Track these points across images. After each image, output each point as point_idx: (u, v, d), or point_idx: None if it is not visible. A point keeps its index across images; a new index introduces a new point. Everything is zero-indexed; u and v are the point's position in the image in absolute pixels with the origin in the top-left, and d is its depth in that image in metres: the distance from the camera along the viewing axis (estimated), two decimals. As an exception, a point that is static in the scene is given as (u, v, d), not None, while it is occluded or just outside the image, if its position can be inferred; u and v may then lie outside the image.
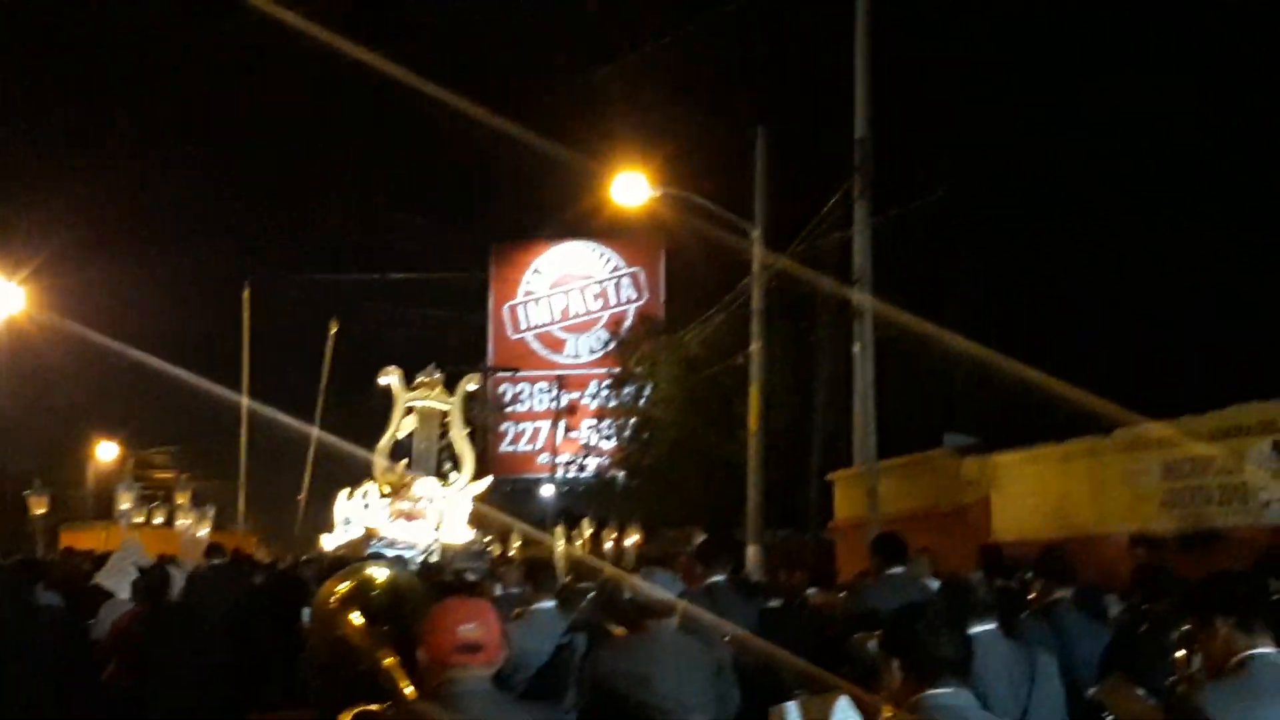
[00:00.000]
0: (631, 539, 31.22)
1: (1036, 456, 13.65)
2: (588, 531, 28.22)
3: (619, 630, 5.27)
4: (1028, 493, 13.57)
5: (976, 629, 4.60)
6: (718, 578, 7.10)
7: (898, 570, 6.91)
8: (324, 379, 34.19)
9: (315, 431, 31.01)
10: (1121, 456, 12.30)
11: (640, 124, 24.22)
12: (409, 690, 3.45)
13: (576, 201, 33.18)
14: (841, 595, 8.48)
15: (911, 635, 3.25)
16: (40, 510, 23.41)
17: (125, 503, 22.80)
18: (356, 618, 3.82)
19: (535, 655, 6.23)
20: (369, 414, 24.52)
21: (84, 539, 22.07)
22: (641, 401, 25.81)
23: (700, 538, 15.85)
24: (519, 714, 3.43)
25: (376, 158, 46.04)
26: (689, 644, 4.97)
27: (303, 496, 34.90)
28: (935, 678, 3.17)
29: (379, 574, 4.13)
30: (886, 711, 3.36)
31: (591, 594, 7.13)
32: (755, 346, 18.27)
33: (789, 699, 4.13)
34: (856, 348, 18.65)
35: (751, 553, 17.68)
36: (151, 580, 9.43)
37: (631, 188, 18.44)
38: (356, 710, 3.51)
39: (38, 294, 23.89)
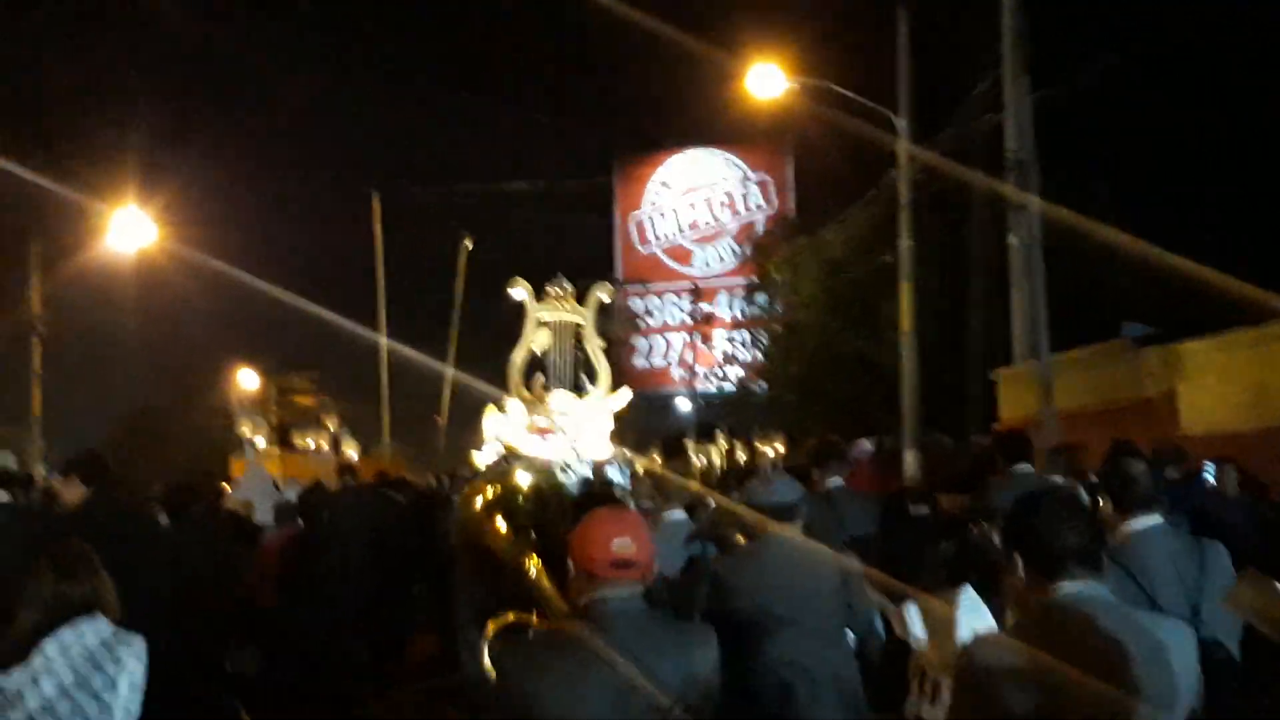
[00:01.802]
0: (772, 450, 30.67)
1: (1228, 343, 12.56)
2: (723, 445, 27.80)
3: (741, 538, 5.09)
4: (1219, 383, 12.52)
5: (1139, 523, 4.56)
6: (834, 481, 7.15)
7: (1024, 467, 6.80)
8: (458, 299, 33.86)
9: (452, 351, 30.89)
10: (1325, 337, 11.20)
11: (770, 14, 23.11)
12: (555, 598, 3.41)
13: (701, 105, 32.27)
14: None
15: (1029, 526, 2.96)
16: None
17: (247, 430, 22.80)
18: (501, 523, 3.76)
19: (666, 565, 5.83)
20: (502, 328, 24.22)
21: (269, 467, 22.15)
22: (780, 307, 24.97)
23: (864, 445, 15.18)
24: (674, 636, 3.21)
25: (499, 66, 45.55)
26: (813, 551, 4.80)
27: (441, 418, 35.02)
28: (1060, 571, 2.87)
29: (523, 479, 3.99)
30: (1013, 614, 3.23)
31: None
32: (904, 242, 17.33)
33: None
34: (1012, 239, 17.66)
35: (909, 458, 16.93)
36: (307, 502, 9.22)
37: (766, 80, 17.52)
38: (507, 621, 3.42)
39: (170, 225, 23.95)
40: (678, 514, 6.78)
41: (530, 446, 22.41)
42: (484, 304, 26.32)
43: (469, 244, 33.33)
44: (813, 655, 4.52)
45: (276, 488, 13.92)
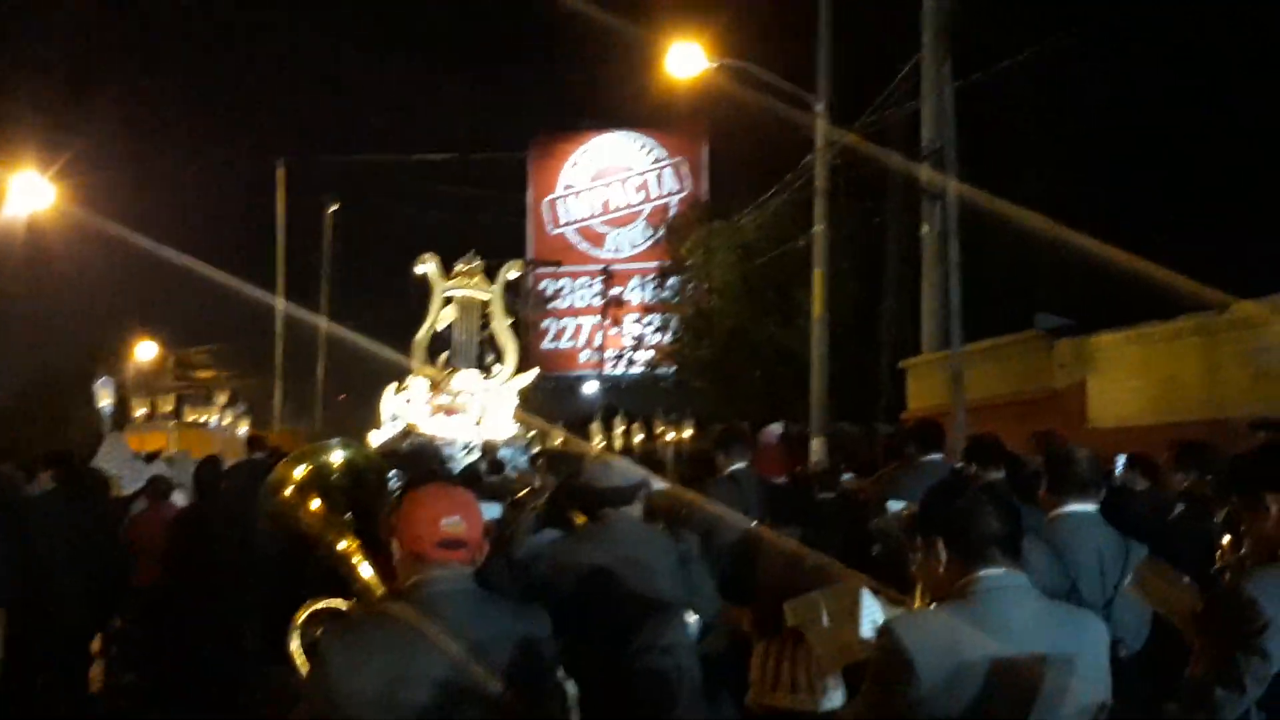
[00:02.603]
0: (676, 434, 30.50)
1: (1141, 336, 12.55)
2: (620, 428, 27.61)
3: (580, 519, 5.04)
4: (1130, 375, 12.51)
5: (1073, 508, 4.70)
6: (738, 465, 6.98)
7: (935, 457, 6.69)
8: (326, 264, 33.01)
9: (323, 319, 30.14)
10: (1241, 333, 11.20)
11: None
12: (374, 583, 3.27)
13: (619, 86, 31.89)
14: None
15: (954, 512, 2.93)
16: (106, 401, 22.45)
17: (104, 400, 21.88)
18: (314, 504, 3.57)
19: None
20: (407, 305, 23.68)
21: (148, 441, 21.32)
22: (692, 290, 24.75)
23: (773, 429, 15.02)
24: (505, 620, 3.04)
25: (412, 33, 44.61)
26: (650, 534, 4.74)
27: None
28: (983, 557, 2.85)
29: (335, 456, 3.75)
30: (918, 602, 3.20)
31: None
32: (818, 228, 17.22)
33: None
34: (924, 229, 17.62)
35: (816, 445, 16.86)
36: (203, 475, 8.77)
37: (686, 60, 17.25)
38: (316, 606, 3.28)
39: (69, 190, 23.05)
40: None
41: (434, 426, 21.99)
42: (391, 278, 25.71)
43: (333, 205, 32.57)
44: (653, 650, 4.39)
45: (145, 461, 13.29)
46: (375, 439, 21.25)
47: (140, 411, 23.23)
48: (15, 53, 25.44)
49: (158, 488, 9.28)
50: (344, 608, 3.28)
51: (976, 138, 15.30)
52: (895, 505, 5.61)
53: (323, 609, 3.28)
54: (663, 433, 28.68)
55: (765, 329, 21.75)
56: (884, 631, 2.92)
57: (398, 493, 4.26)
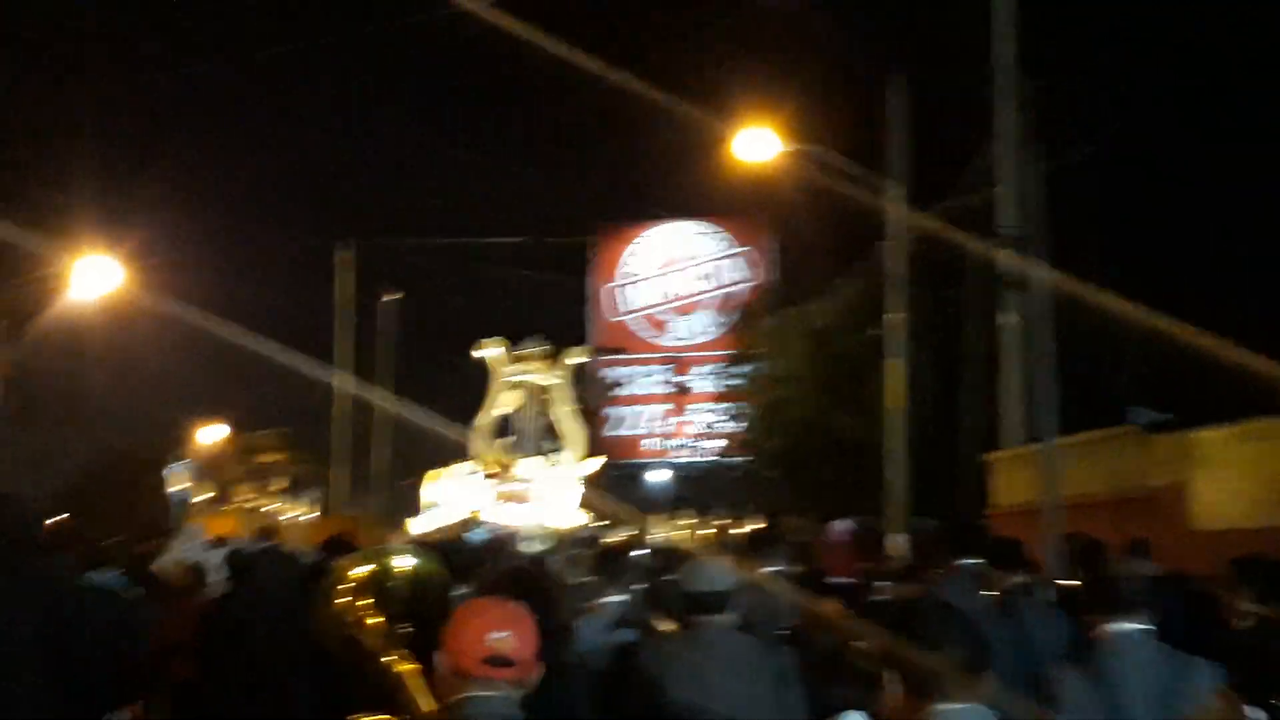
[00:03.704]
0: (747, 528, 29.74)
1: (1249, 432, 11.79)
2: (685, 520, 27.00)
3: (668, 627, 4.77)
4: (1237, 475, 11.74)
5: (1116, 627, 4.24)
6: (770, 569, 6.80)
7: (970, 562, 6.52)
8: (380, 349, 32.80)
9: (378, 405, 29.94)
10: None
11: (762, 79, 22.61)
12: (424, 700, 3.00)
13: (685, 174, 31.75)
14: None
15: (905, 640, 2.72)
16: (178, 486, 22.28)
17: (177, 485, 21.74)
18: (372, 614, 3.33)
19: (599, 652, 5.52)
20: (470, 390, 23.39)
21: (216, 525, 21.07)
22: (763, 380, 24.19)
23: (840, 525, 14.38)
24: None
25: (475, 119, 45.05)
26: (747, 644, 4.40)
27: (404, 482, 34.00)
28: (936, 691, 2.63)
29: (401, 561, 3.55)
30: None
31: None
32: (892, 316, 16.68)
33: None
34: (1002, 318, 17.01)
35: (897, 542, 16.13)
36: (236, 563, 8.35)
37: (756, 144, 16.90)
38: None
39: (135, 272, 23.15)
40: (619, 596, 6.27)
41: (499, 514, 21.55)
42: (454, 363, 25.50)
43: (395, 295, 32.47)
44: None
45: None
46: (414, 526, 20.87)
47: (203, 496, 23.06)
48: (81, 133, 25.72)
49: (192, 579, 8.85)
50: None
51: (1063, 223, 14.76)
52: None
53: None
54: (728, 525, 28.10)
55: (839, 419, 21.12)
56: None
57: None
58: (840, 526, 15.18)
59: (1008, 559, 6.28)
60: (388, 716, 3.05)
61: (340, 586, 3.44)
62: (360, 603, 3.36)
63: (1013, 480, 15.72)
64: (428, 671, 3.06)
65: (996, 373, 17.43)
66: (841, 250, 20.54)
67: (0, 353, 23.28)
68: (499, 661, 2.74)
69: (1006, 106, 16.35)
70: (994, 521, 16.12)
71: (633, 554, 7.28)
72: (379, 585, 3.43)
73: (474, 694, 2.74)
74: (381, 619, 3.32)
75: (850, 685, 4.15)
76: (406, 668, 3.14)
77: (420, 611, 3.34)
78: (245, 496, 24.73)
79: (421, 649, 3.14)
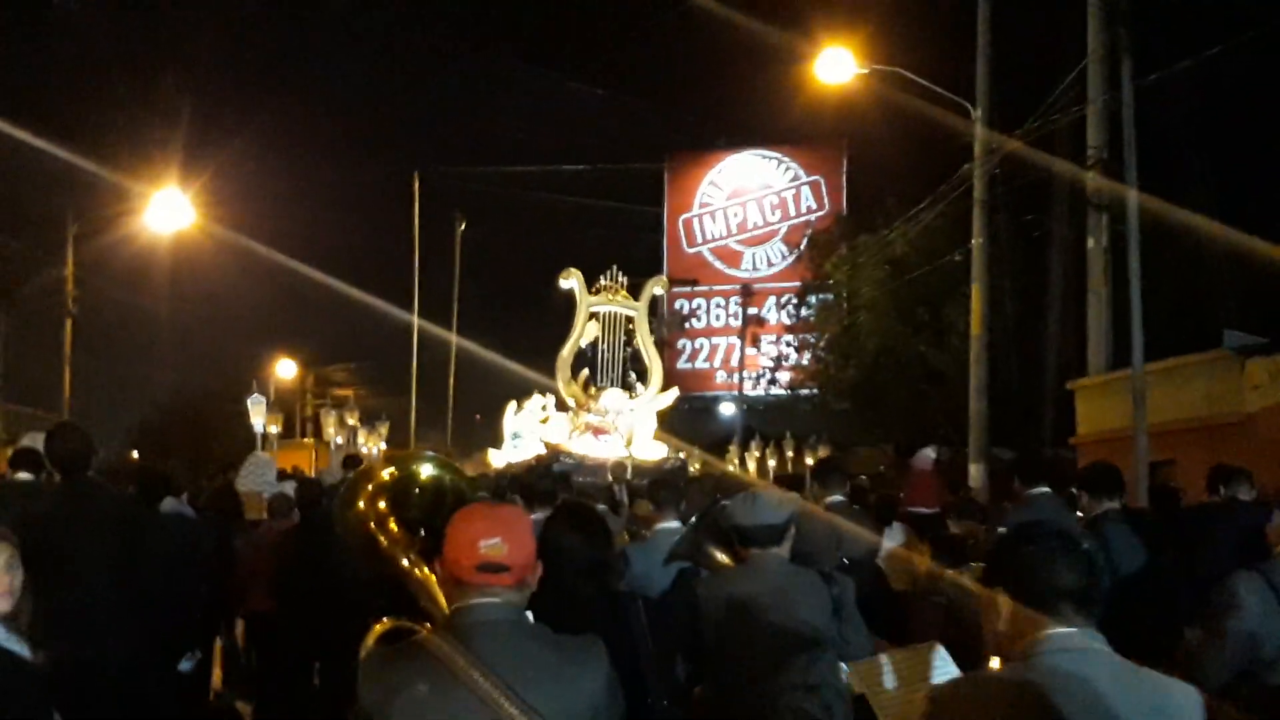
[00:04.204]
0: (815, 458, 29.48)
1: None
2: (756, 452, 26.82)
3: (723, 559, 4.70)
4: (1336, 398, 11.39)
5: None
6: (834, 498, 6.83)
7: (1041, 490, 6.54)
8: (456, 281, 32.60)
9: (454, 334, 29.86)
10: None
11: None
12: (441, 608, 2.97)
13: (757, 103, 31.25)
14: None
15: (1019, 562, 2.63)
16: (259, 418, 22.53)
17: (257, 416, 21.91)
18: (391, 519, 3.34)
19: (652, 579, 5.57)
20: (540, 321, 23.35)
21: (293, 457, 21.34)
22: (836, 308, 23.84)
23: (927, 453, 14.17)
24: (549, 656, 2.76)
25: (546, 47, 44.65)
26: (802, 575, 4.39)
27: (480, 416, 34.13)
28: (1051, 613, 2.55)
29: (426, 469, 3.53)
30: (991, 662, 2.85)
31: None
32: (977, 241, 16.30)
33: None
34: (1091, 242, 16.56)
35: (974, 472, 15.90)
36: (304, 495, 8.34)
37: (835, 65, 16.52)
38: (386, 628, 3.02)
39: (209, 207, 23.34)
40: (671, 523, 6.26)
41: (582, 446, 21.53)
42: (524, 293, 25.39)
43: (461, 222, 32.15)
44: (799, 689, 4.15)
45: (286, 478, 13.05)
46: (496, 459, 20.90)
47: (274, 429, 23.27)
48: (155, 70, 25.82)
49: (278, 507, 8.85)
50: (419, 630, 2.98)
51: (1146, 143, 14.23)
52: None
53: (392, 631, 3.02)
54: (797, 456, 27.92)
55: (914, 348, 20.77)
56: (930, 699, 2.70)
57: None
58: (923, 455, 14.98)
59: (1103, 485, 6.15)
60: (402, 620, 3.06)
61: (364, 489, 3.43)
62: (381, 505, 3.37)
63: (1099, 407, 15.37)
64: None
65: (1082, 298, 17.01)
66: (920, 175, 20.04)
67: (69, 286, 23.62)
68: (492, 568, 2.71)
69: (1096, 20, 15.80)
70: (1080, 450, 15.83)
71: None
72: (401, 490, 3.43)
73: (471, 601, 2.73)
74: (400, 529, 3.33)
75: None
76: (422, 572, 3.14)
77: (436, 521, 3.25)
78: (321, 428, 24.92)
79: (433, 557, 3.14)
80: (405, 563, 3.22)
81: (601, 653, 2.84)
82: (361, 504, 3.39)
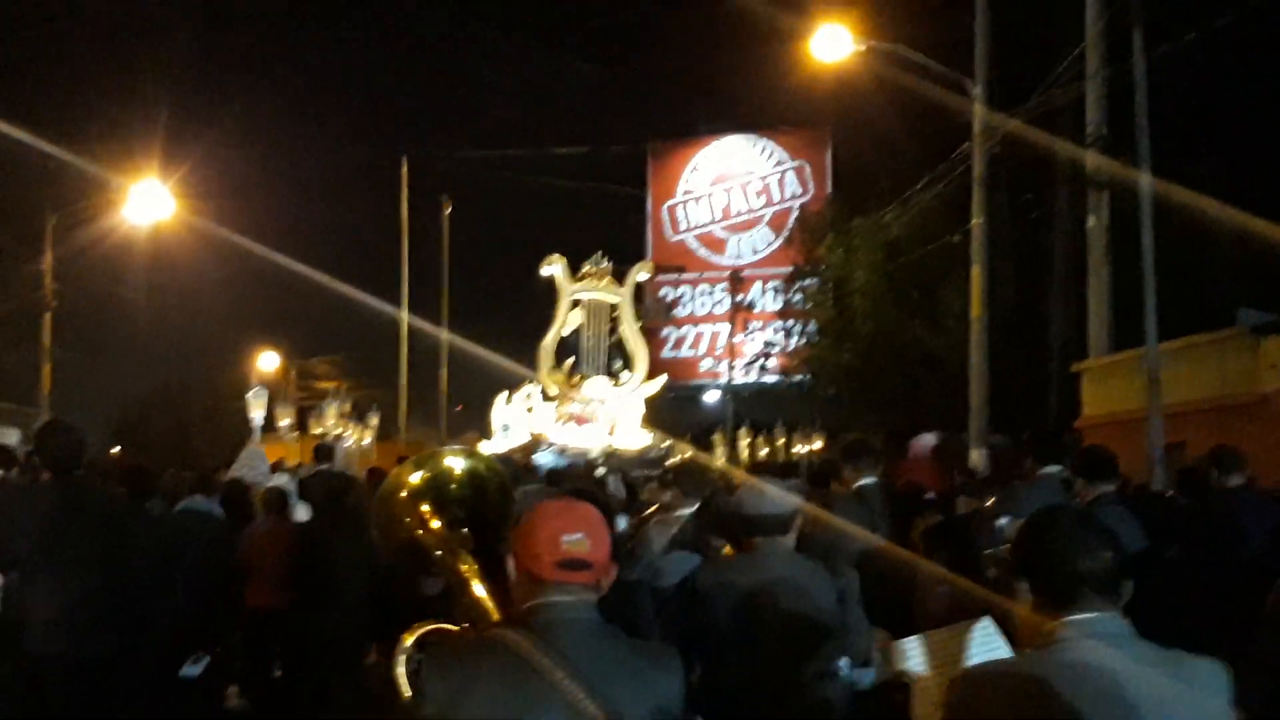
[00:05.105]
0: (808, 446, 29.32)
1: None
2: (745, 439, 26.58)
3: (725, 549, 4.75)
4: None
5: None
6: (866, 480, 6.65)
7: (1052, 470, 6.38)
8: (445, 268, 32.09)
9: (444, 325, 29.47)
10: None
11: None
12: (490, 607, 2.95)
13: (740, 87, 30.92)
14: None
15: (1039, 546, 2.61)
16: (258, 412, 22.20)
17: (256, 410, 21.63)
18: (433, 518, 3.26)
19: (670, 568, 5.38)
20: (526, 308, 23.02)
21: (276, 451, 20.98)
22: (828, 292, 23.53)
23: (926, 438, 13.90)
24: (634, 657, 2.72)
25: (528, 28, 44.26)
26: (806, 566, 4.32)
27: (461, 406, 33.75)
28: (1072, 599, 2.52)
29: (457, 463, 3.43)
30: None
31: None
32: (977, 221, 16.00)
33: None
34: (1091, 221, 16.34)
35: (975, 456, 15.63)
36: (315, 490, 8.09)
37: (832, 42, 16.19)
38: (426, 628, 2.94)
39: (189, 199, 22.94)
40: (690, 509, 6.06)
41: (564, 435, 21.25)
42: (510, 279, 25.02)
43: (447, 206, 31.61)
44: (799, 682, 4.09)
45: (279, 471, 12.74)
46: (486, 449, 20.60)
47: (286, 420, 23.02)
48: (134, 60, 25.43)
49: (273, 501, 8.53)
50: (456, 631, 2.98)
51: (1161, 119, 13.95)
52: (1004, 521, 5.53)
53: (432, 631, 2.95)
54: (788, 444, 27.62)
55: (910, 332, 20.48)
56: (951, 686, 2.69)
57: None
58: (924, 440, 14.71)
59: (1098, 469, 6.12)
60: (447, 625, 2.99)
61: (399, 492, 3.32)
62: (421, 507, 3.27)
63: (1104, 390, 15.13)
64: (488, 573, 3.02)
65: (1080, 279, 16.77)
66: (913, 156, 19.75)
67: (47, 279, 23.24)
68: (575, 564, 2.65)
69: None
70: (1084, 433, 15.59)
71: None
72: (437, 488, 3.33)
73: (550, 599, 2.65)
74: (441, 523, 3.25)
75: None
76: (468, 566, 3.06)
77: (480, 513, 3.28)
78: (313, 422, 24.57)
79: (482, 551, 3.12)
80: (463, 567, 3.08)
81: (678, 660, 2.78)
82: (400, 510, 3.30)
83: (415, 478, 3.35)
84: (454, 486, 3.36)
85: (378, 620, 7.04)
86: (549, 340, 21.17)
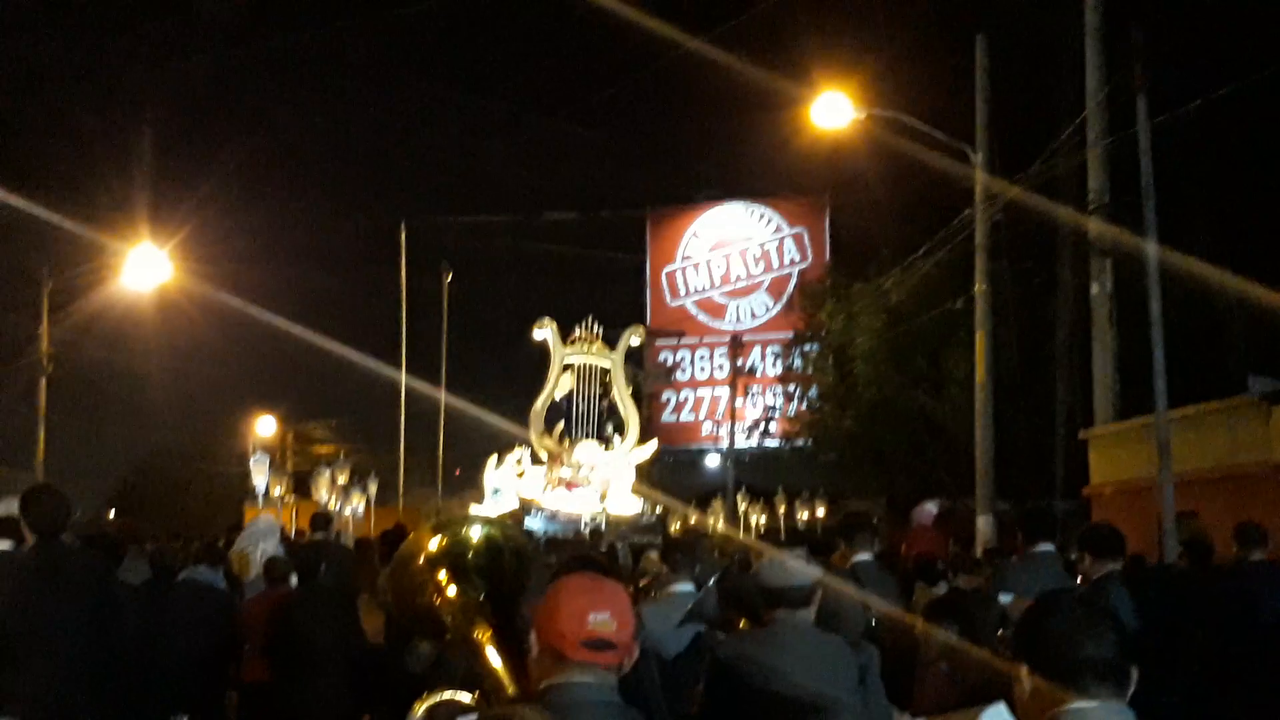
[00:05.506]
0: (810, 513, 29.09)
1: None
2: (742, 505, 26.35)
3: (744, 622, 4.72)
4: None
5: None
6: (862, 557, 6.58)
7: (1045, 548, 6.45)
8: (444, 334, 32.02)
9: (442, 391, 29.29)
10: None
11: (836, 45, 21.85)
12: (506, 680, 2.83)
13: (740, 155, 31.07)
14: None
15: (1041, 631, 2.50)
16: (261, 478, 22.02)
17: (259, 476, 21.49)
18: (449, 586, 3.14)
19: (665, 643, 5.48)
20: (522, 373, 22.93)
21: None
22: (831, 359, 23.43)
23: (928, 507, 13.72)
24: None
25: (530, 97, 44.57)
26: (828, 640, 4.26)
27: (459, 470, 33.46)
28: (1075, 687, 2.40)
29: (474, 531, 3.30)
30: None
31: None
32: (980, 287, 15.96)
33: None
34: (1095, 289, 16.27)
35: (981, 524, 15.45)
36: (304, 559, 7.92)
37: (832, 110, 16.21)
38: (438, 698, 2.87)
39: (187, 263, 22.86)
40: (685, 586, 6.06)
41: (554, 500, 21.04)
42: (507, 344, 24.98)
43: (448, 274, 31.62)
44: None
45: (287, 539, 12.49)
46: (476, 513, 20.38)
47: (258, 479, 22.84)
48: (132, 122, 25.54)
49: (273, 571, 8.29)
50: (467, 701, 2.87)
51: (1163, 186, 13.91)
52: (1005, 598, 5.64)
53: (443, 703, 2.86)
54: (789, 510, 27.43)
55: (913, 399, 20.36)
56: None
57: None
58: (926, 509, 14.51)
59: (1104, 547, 6.00)
60: (463, 693, 2.91)
61: (416, 560, 3.22)
62: (438, 575, 3.16)
63: (1111, 457, 14.96)
64: (505, 640, 2.93)
65: (1085, 346, 16.68)
66: (914, 223, 19.74)
67: (44, 346, 23.15)
68: (600, 645, 2.57)
69: (1095, 65, 15.63)
70: (1092, 502, 15.40)
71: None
72: (455, 556, 3.21)
73: (573, 679, 2.58)
74: (458, 591, 3.14)
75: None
76: (484, 636, 2.96)
77: (498, 582, 3.17)
78: (306, 487, 24.37)
79: (499, 620, 3.03)
80: (477, 634, 2.98)
81: None
82: (417, 577, 3.19)
83: (433, 544, 3.26)
84: (470, 554, 3.26)
85: (363, 695, 6.96)
86: (539, 404, 21.09)
